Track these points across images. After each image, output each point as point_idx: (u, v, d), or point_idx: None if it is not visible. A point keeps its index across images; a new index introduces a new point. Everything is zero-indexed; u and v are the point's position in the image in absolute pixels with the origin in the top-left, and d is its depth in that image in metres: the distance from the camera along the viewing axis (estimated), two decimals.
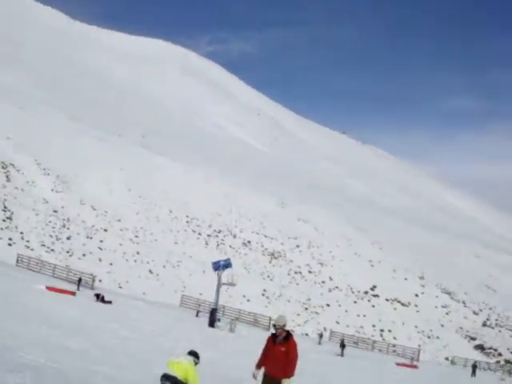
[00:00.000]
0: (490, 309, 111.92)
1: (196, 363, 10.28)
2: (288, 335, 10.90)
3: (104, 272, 79.95)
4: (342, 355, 48.79)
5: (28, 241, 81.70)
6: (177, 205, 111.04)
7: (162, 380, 9.84)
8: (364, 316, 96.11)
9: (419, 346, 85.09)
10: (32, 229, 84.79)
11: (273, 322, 11.17)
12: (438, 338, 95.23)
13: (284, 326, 10.90)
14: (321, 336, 62.58)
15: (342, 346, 51.00)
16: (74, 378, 10.57)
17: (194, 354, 10.50)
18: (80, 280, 55.84)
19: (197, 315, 57.51)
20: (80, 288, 52.45)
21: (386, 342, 77.95)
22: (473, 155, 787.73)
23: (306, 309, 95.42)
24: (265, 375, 10.88)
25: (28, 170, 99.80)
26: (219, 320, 51.70)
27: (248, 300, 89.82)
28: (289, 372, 10.60)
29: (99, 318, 29.27)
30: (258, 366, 10.99)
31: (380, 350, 69.10)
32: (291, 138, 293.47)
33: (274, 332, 11.02)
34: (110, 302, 43.50)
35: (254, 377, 10.95)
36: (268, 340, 11.11)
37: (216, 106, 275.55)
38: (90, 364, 13.19)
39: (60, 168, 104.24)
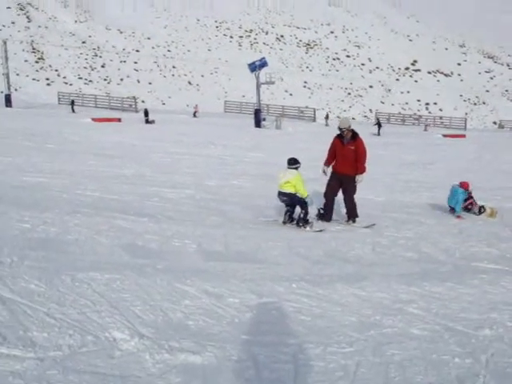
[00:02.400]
0: None
1: (298, 168, 10.83)
2: (354, 134, 11.24)
3: (145, 92, 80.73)
4: (378, 134, 48.28)
5: (65, 77, 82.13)
6: (203, 11, 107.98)
7: (278, 197, 10.80)
8: (408, 92, 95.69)
9: (466, 114, 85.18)
10: (66, 64, 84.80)
11: (337, 125, 11.41)
12: (484, 103, 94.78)
13: (349, 127, 11.18)
14: (327, 117, 60.96)
15: (378, 124, 50.59)
16: (132, 205, 11.27)
17: (292, 162, 10.87)
18: (73, 102, 54.09)
19: (194, 115, 56.56)
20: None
21: (433, 115, 78.18)
22: None
23: (349, 94, 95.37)
24: (334, 173, 11.43)
25: (46, 6, 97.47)
26: (264, 119, 52.26)
27: (291, 94, 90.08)
28: (360, 168, 11.10)
29: (147, 139, 30.07)
30: (327, 164, 11.54)
31: (428, 125, 69.43)
32: None
33: (339, 133, 11.30)
34: (153, 122, 44.12)
35: (325, 173, 11.57)
36: (334, 142, 11.46)
37: None
38: (146, 187, 13.85)
39: None
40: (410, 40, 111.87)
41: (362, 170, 11.11)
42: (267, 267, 7.43)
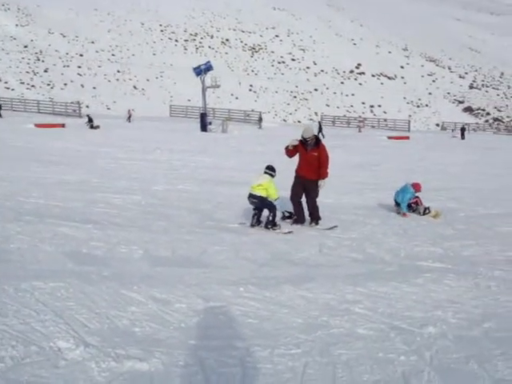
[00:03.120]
0: (476, 71, 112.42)
1: (273, 176, 11.08)
2: (317, 140, 11.46)
3: (89, 97, 79.55)
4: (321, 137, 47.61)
5: (6, 82, 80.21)
6: (147, 15, 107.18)
7: (248, 199, 10.97)
8: (353, 95, 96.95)
9: (410, 116, 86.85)
10: (7, 69, 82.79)
11: (301, 134, 11.44)
12: (426, 105, 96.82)
13: (313, 136, 11.38)
14: (260, 120, 60.85)
15: (319, 127, 50.14)
16: (77, 212, 11.07)
17: (269, 168, 11.18)
18: (0, 106, 52.85)
19: (128, 120, 55.10)
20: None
21: (377, 118, 79.39)
22: None
23: (295, 97, 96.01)
24: (297, 177, 11.58)
25: None
26: (210, 123, 52.10)
27: (237, 98, 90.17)
28: (323, 174, 11.32)
29: (92, 144, 29.68)
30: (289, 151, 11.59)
31: (373, 127, 70.47)
32: None
33: (301, 139, 11.39)
34: (98, 127, 43.57)
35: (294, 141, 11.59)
36: (298, 146, 11.53)
37: None
38: (91, 193, 13.64)
39: (18, 0, 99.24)
40: (354, 44, 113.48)
41: (325, 175, 11.35)
42: (214, 271, 7.42)
